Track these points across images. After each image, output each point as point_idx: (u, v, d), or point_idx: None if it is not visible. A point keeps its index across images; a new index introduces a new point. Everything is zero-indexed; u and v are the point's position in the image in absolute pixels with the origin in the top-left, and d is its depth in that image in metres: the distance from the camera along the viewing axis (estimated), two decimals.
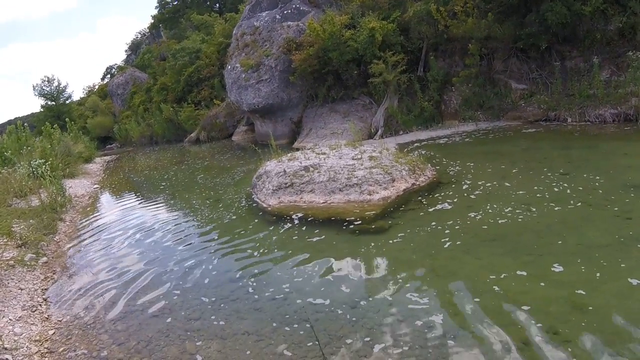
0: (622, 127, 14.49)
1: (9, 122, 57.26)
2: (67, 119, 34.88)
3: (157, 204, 13.82)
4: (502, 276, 5.88)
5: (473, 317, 5.13)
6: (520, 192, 9.13)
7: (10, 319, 6.39)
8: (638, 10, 16.08)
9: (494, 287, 5.67)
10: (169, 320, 6.07)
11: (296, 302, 6.05)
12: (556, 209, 7.98)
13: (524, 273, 5.88)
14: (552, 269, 5.89)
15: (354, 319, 5.44)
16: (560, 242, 6.69)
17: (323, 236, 8.30)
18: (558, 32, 17.39)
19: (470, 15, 19.55)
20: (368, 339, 5.01)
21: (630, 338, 4.42)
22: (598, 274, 5.60)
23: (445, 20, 20.09)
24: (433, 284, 6.11)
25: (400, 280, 6.29)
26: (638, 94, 15.03)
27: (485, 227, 7.69)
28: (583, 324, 4.73)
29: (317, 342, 5.02)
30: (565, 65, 18.16)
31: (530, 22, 18.14)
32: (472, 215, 8.26)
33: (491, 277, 5.92)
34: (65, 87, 60.11)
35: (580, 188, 8.79)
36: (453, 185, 10.39)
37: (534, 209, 8.11)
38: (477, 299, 5.47)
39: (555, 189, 8.97)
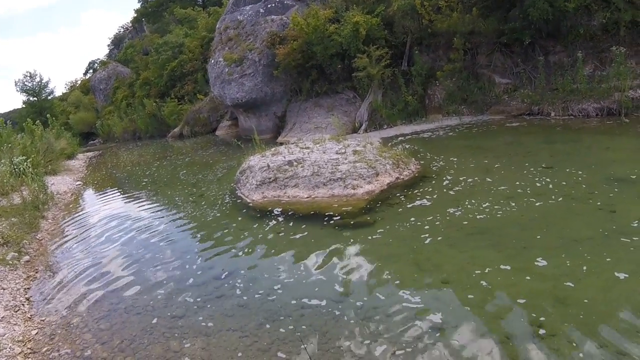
0: (605, 122, 14.59)
1: None
2: (49, 115, 34.52)
3: (140, 200, 13.71)
4: (486, 270, 5.89)
5: (458, 310, 5.15)
6: (503, 187, 9.16)
7: None
8: (622, 6, 16.17)
9: (478, 280, 5.69)
10: (152, 318, 6.03)
11: (281, 298, 6.04)
12: (539, 203, 8.02)
13: (508, 267, 5.91)
14: (536, 262, 5.91)
15: (339, 314, 5.43)
16: (543, 236, 6.72)
17: (307, 231, 8.28)
18: (541, 27, 17.45)
19: (454, 10, 19.59)
20: (353, 333, 5.01)
21: (615, 331, 4.45)
22: (583, 268, 5.64)
23: (430, 14, 20.11)
24: (418, 277, 6.11)
25: (386, 275, 6.30)
26: (621, 88, 15.14)
27: (469, 220, 7.71)
28: (568, 317, 4.76)
29: (301, 341, 5.01)
30: (548, 60, 18.24)
31: (514, 17, 18.19)
32: (456, 209, 8.28)
33: (475, 270, 5.94)
34: (47, 82, 59.57)
35: (564, 183, 8.83)
36: (437, 180, 10.40)
37: (516, 203, 8.15)
38: (462, 292, 5.49)
39: (538, 184, 9.00)
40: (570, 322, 4.67)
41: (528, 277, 5.61)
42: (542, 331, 4.59)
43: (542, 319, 4.77)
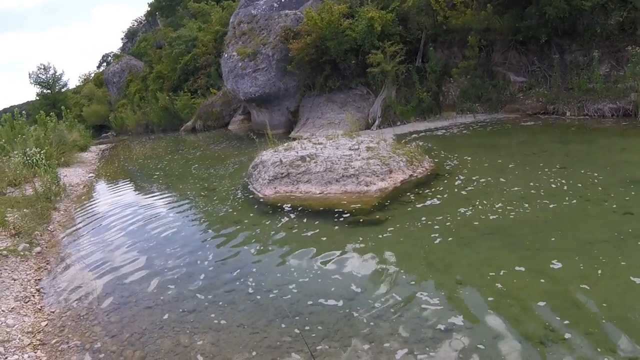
0: (621, 122, 14.43)
1: (4, 111, 57.02)
2: (62, 107, 34.69)
3: (151, 194, 13.72)
4: (501, 272, 5.81)
5: (473, 311, 5.08)
6: (517, 188, 9.04)
7: (2, 310, 6.32)
8: (639, 5, 15.96)
9: (493, 281, 5.62)
10: (162, 312, 6.00)
11: (292, 295, 5.99)
12: (554, 204, 7.91)
13: (523, 269, 5.82)
14: (551, 265, 5.82)
15: (349, 312, 5.38)
16: (558, 238, 6.63)
17: (319, 228, 8.23)
18: (557, 25, 17.27)
19: (469, 6, 19.42)
20: (365, 332, 4.95)
21: (630, 336, 4.36)
22: (598, 271, 5.54)
23: (444, 11, 19.95)
24: (432, 277, 6.04)
25: (398, 274, 6.24)
26: (637, 89, 14.94)
27: (482, 221, 7.62)
28: (582, 320, 4.68)
29: (305, 343, 4.96)
30: (564, 59, 18.06)
31: (530, 14, 18.02)
32: (468, 209, 8.20)
33: (489, 271, 5.86)
34: (60, 75, 60.37)
35: (579, 184, 8.70)
36: (450, 178, 10.30)
37: (530, 204, 8.05)
38: (476, 293, 5.43)
39: (553, 185, 8.89)
40: (585, 326, 4.58)
41: (542, 280, 5.52)
42: (556, 334, 4.51)
43: (556, 322, 4.69)
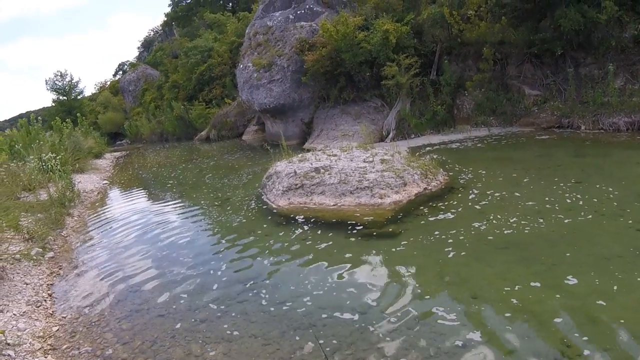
0: (636, 136, 14.31)
1: (21, 116, 57.68)
2: (78, 114, 34.98)
3: (165, 202, 13.76)
4: (516, 287, 5.75)
5: (488, 326, 5.02)
6: (531, 202, 8.96)
7: (14, 314, 6.34)
8: None
9: (508, 296, 5.56)
10: (174, 321, 5.99)
11: (305, 307, 5.95)
12: (569, 219, 7.82)
13: (538, 284, 5.76)
14: (566, 280, 5.76)
15: (363, 325, 5.33)
16: (573, 253, 6.55)
17: (333, 240, 8.19)
18: (572, 38, 17.20)
19: (483, 19, 19.40)
20: (378, 346, 4.91)
21: None
22: (614, 287, 5.47)
23: (459, 24, 19.94)
24: (445, 291, 5.99)
25: (412, 288, 6.18)
26: None
27: (496, 236, 7.55)
28: (599, 337, 4.61)
29: (323, 351, 4.92)
30: (579, 72, 17.97)
31: (545, 27, 17.98)
32: (484, 223, 8.13)
33: (504, 286, 5.80)
34: (77, 82, 60.82)
35: (595, 200, 8.60)
36: (464, 192, 10.24)
37: (545, 219, 7.97)
38: (492, 308, 5.37)
39: (568, 200, 8.80)
40: (602, 342, 4.51)
41: (558, 295, 5.45)
42: (572, 351, 4.45)
43: (573, 338, 4.63)
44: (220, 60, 38.17)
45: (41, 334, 5.96)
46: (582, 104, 17.15)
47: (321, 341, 5.07)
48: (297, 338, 5.22)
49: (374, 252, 7.48)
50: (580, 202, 8.58)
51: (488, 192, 9.93)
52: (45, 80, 61.90)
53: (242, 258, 8.04)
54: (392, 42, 20.30)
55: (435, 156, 14.23)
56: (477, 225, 8.04)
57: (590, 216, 7.87)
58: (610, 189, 9.07)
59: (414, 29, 21.45)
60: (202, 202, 12.98)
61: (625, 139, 14.12)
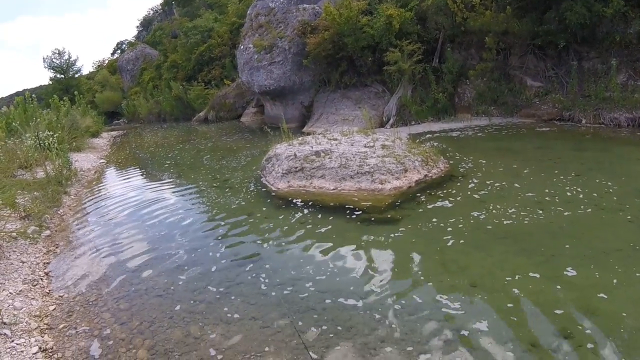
0: (636, 133, 14.27)
1: (17, 94, 57.36)
2: (75, 93, 34.78)
3: (162, 182, 13.70)
4: (516, 277, 5.75)
5: (487, 315, 5.02)
6: (531, 194, 8.94)
7: (10, 293, 6.31)
8: None
9: (508, 286, 5.56)
10: (173, 302, 5.97)
11: (305, 290, 5.94)
12: (568, 212, 7.81)
13: (537, 275, 5.76)
14: (566, 272, 5.76)
15: (363, 310, 5.33)
16: (572, 245, 6.55)
17: (332, 225, 8.17)
18: (577, 31, 17.07)
19: (488, 8, 19.27)
20: (377, 330, 4.91)
21: None
22: (614, 280, 5.48)
23: (463, 12, 19.80)
24: (445, 279, 5.98)
25: (410, 274, 6.18)
26: None
27: (495, 225, 7.54)
28: (598, 328, 4.62)
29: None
30: (582, 66, 17.87)
31: (550, 19, 17.83)
32: (483, 212, 8.12)
33: (504, 276, 5.80)
34: (75, 60, 60.52)
35: (594, 194, 8.57)
36: (464, 181, 10.21)
37: (544, 211, 7.97)
38: (491, 298, 5.37)
39: (568, 193, 8.78)
40: (601, 334, 4.53)
41: (558, 286, 5.45)
42: (571, 341, 4.46)
43: (572, 329, 4.64)
44: (220, 41, 37.96)
45: (37, 313, 5.93)
46: (583, 98, 17.08)
47: (314, 326, 5.07)
48: (296, 321, 5.21)
49: (373, 238, 7.46)
50: (580, 196, 8.56)
51: (488, 182, 9.90)
52: (43, 58, 61.52)
53: (241, 240, 8.02)
54: (396, 27, 20.19)
55: (435, 144, 14.19)
56: (476, 215, 8.02)
57: (589, 209, 7.86)
58: (610, 184, 9.05)
59: (417, 15, 21.34)
60: (201, 183, 12.93)
61: (625, 135, 14.08)
